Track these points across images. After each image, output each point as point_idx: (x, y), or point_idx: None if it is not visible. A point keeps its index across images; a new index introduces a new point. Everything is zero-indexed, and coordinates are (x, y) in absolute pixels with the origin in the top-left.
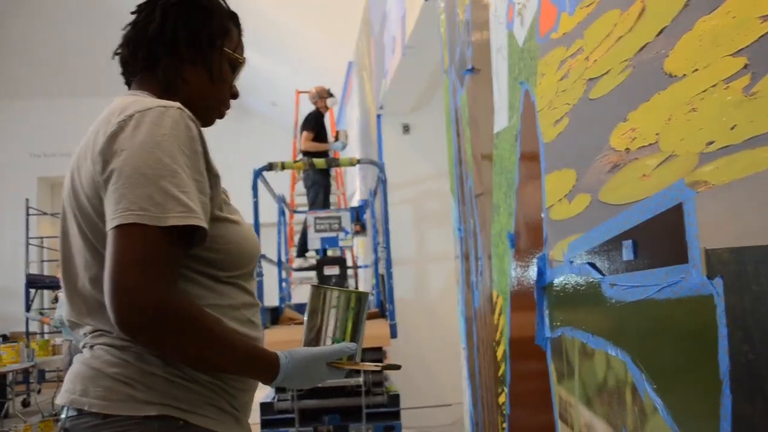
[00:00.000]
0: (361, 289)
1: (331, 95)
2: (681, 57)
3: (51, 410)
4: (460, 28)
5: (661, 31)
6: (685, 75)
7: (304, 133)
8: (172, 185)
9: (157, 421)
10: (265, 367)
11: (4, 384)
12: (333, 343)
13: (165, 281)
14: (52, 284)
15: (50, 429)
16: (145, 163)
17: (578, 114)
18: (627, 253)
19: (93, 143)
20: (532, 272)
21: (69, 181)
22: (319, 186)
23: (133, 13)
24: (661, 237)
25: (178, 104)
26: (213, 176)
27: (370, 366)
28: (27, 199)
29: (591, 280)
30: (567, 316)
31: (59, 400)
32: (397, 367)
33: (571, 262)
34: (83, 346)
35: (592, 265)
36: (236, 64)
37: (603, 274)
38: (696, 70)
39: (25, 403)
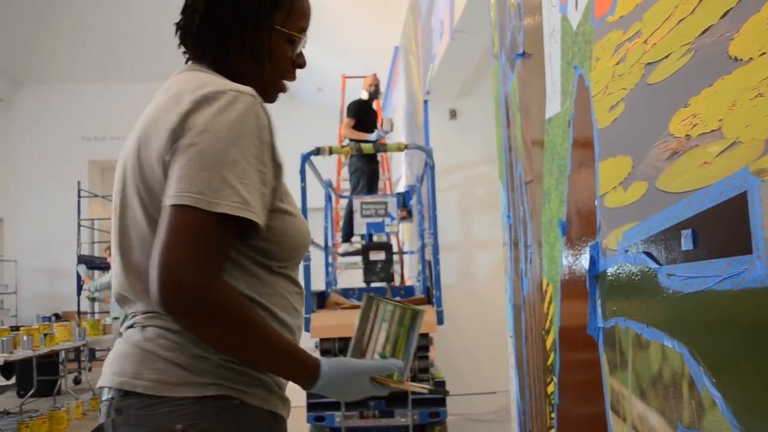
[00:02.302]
0: (417, 295)
1: (373, 91)
2: (747, 40)
3: None
4: (511, 11)
5: (725, 14)
6: (751, 59)
7: (345, 119)
8: (232, 174)
9: (213, 401)
10: (305, 371)
11: (56, 362)
12: (380, 358)
13: (208, 266)
14: (102, 265)
15: None
16: (210, 147)
17: (635, 99)
18: (686, 242)
19: (164, 120)
20: (585, 260)
21: (134, 155)
22: (361, 173)
23: None
24: (722, 227)
25: (251, 90)
26: (277, 166)
27: (416, 387)
28: (79, 182)
29: (647, 269)
30: (621, 306)
31: (104, 382)
32: (446, 393)
33: (626, 251)
34: (131, 326)
35: (649, 255)
36: (292, 38)
37: (660, 264)
38: (763, 53)
39: (77, 381)
